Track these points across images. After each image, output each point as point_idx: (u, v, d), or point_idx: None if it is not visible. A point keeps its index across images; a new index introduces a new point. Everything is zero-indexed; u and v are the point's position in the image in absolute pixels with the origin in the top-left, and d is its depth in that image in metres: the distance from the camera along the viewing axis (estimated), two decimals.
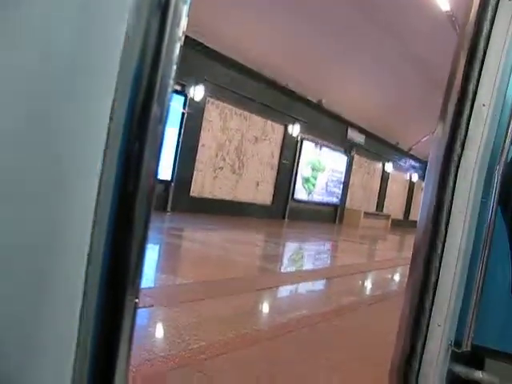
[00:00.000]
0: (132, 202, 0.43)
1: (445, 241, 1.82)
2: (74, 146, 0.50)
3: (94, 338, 0.43)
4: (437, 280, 1.83)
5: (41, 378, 0.47)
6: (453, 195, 1.77)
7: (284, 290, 5.39)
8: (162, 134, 0.52)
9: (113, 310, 0.43)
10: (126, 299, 0.43)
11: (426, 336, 1.85)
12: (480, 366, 2.11)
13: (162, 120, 0.52)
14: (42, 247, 0.48)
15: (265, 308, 4.53)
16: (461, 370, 2.04)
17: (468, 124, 1.76)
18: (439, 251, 1.82)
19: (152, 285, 4.27)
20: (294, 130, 14.48)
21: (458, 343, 1.89)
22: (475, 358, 2.17)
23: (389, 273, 7.99)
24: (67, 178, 0.49)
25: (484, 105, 1.74)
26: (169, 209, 11.08)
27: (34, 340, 0.47)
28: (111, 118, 0.49)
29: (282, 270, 6.76)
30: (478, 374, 2.06)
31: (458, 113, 1.73)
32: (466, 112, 1.75)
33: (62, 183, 0.49)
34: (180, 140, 11.21)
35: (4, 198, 0.48)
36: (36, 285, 0.47)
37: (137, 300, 0.44)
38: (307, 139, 15.40)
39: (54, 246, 0.48)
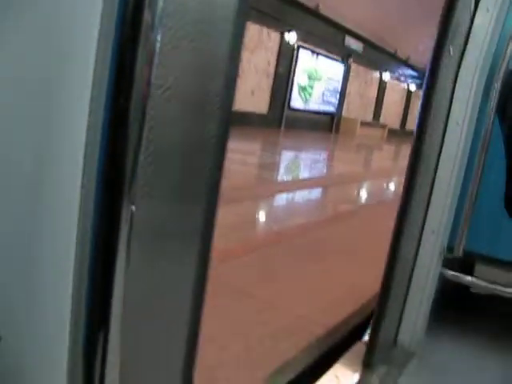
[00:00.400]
0: (126, 108, 0.43)
1: (441, 150, 1.83)
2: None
3: (93, 245, 0.43)
4: (432, 188, 1.86)
5: (41, 286, 0.49)
6: (450, 104, 1.77)
7: (281, 199, 5.45)
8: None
9: (109, 218, 0.43)
10: (122, 206, 0.43)
11: (419, 242, 1.90)
12: (470, 272, 2.19)
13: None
14: (38, 151, 0.48)
15: (262, 216, 4.59)
16: (452, 274, 2.12)
17: (469, 31, 1.73)
18: (435, 160, 1.84)
19: None
20: (291, 37, 14.12)
21: (450, 249, 1.95)
22: (466, 264, 2.24)
23: (384, 182, 8.06)
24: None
25: (488, 10, 1.70)
26: None
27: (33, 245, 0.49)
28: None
29: (279, 179, 6.81)
30: (468, 279, 2.14)
31: (459, 19, 1.69)
32: (467, 18, 1.71)
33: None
34: None
35: None
36: (35, 192, 0.48)
37: (133, 207, 0.44)
38: (304, 47, 15.05)
39: (50, 149, 0.49)
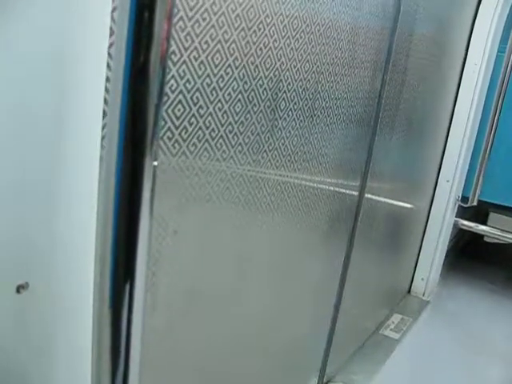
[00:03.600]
0: (147, 55, 0.41)
1: (456, 98, 1.81)
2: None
3: (116, 202, 0.43)
4: (447, 137, 1.85)
5: (61, 240, 0.50)
6: (468, 46, 1.73)
7: None
8: None
9: (132, 175, 0.42)
10: (144, 163, 0.43)
11: (434, 191, 1.90)
12: (484, 221, 2.19)
13: None
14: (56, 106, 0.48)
15: None
16: (465, 224, 2.12)
17: None
18: (450, 109, 1.82)
19: None
20: None
21: (464, 199, 1.94)
22: (479, 213, 2.25)
23: None
24: None
25: None
26: None
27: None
28: None
29: None
30: (482, 228, 2.14)
31: None
32: None
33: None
34: None
35: None
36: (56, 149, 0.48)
37: (155, 163, 0.43)
38: None
39: (69, 106, 0.49)
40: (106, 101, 0.52)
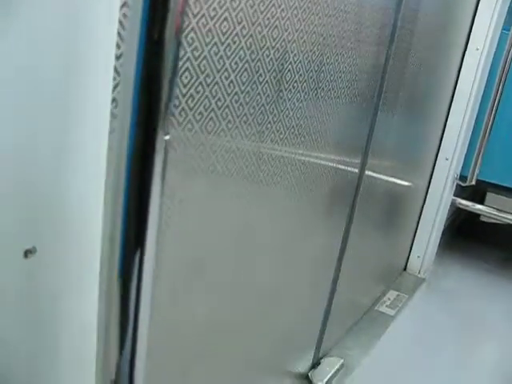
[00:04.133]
0: (162, 24, 0.41)
1: (458, 76, 1.80)
2: None
3: (127, 177, 0.42)
4: (447, 115, 1.84)
5: (71, 221, 0.49)
6: (472, 24, 1.72)
7: None
8: None
9: (143, 149, 0.42)
10: (156, 137, 0.42)
11: (433, 169, 1.90)
12: (481, 201, 2.20)
13: None
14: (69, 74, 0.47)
15: None
16: (463, 203, 2.13)
17: None
18: (452, 87, 1.81)
19: None
20: None
21: (462, 178, 1.95)
22: (476, 193, 2.25)
23: None
24: None
25: None
26: None
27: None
28: None
29: None
30: (479, 207, 2.15)
31: None
32: None
33: None
34: None
35: None
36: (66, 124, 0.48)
37: (167, 137, 0.43)
38: None
39: (81, 78, 0.48)
40: (115, 69, 0.51)
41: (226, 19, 0.66)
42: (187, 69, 0.62)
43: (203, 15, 0.63)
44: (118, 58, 0.51)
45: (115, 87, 0.52)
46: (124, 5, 0.51)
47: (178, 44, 0.42)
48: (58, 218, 0.48)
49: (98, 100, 0.50)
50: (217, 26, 0.65)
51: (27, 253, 0.45)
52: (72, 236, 0.49)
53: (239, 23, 0.69)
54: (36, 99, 0.45)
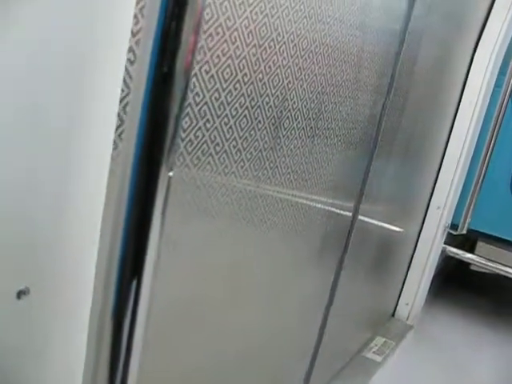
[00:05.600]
0: (172, 65, 0.41)
1: (452, 127, 1.83)
2: None
3: (129, 213, 0.43)
4: (440, 165, 1.86)
5: (69, 253, 0.49)
6: (465, 83, 1.76)
7: None
8: None
9: (146, 185, 0.42)
10: (160, 173, 0.42)
11: (424, 216, 1.92)
12: (471, 250, 2.21)
13: None
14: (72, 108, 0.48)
15: None
16: (453, 251, 2.13)
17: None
18: (445, 137, 1.84)
19: None
20: None
21: (453, 226, 1.96)
22: (467, 242, 2.26)
23: None
24: None
25: None
26: None
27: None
28: None
29: None
30: (469, 256, 2.16)
31: None
32: None
33: None
34: None
35: None
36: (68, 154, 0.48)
37: (171, 174, 0.43)
38: None
39: (84, 109, 0.49)
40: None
41: (228, 66, 0.68)
42: (187, 114, 0.63)
43: (206, 62, 0.64)
44: (121, 101, 0.52)
45: (117, 129, 0.53)
46: (130, 50, 0.52)
47: (187, 81, 0.42)
48: (53, 259, 0.48)
49: (100, 140, 0.51)
50: (219, 72, 0.67)
51: (20, 294, 0.45)
52: (66, 277, 0.49)
53: (241, 70, 0.70)
54: (36, 138, 0.46)
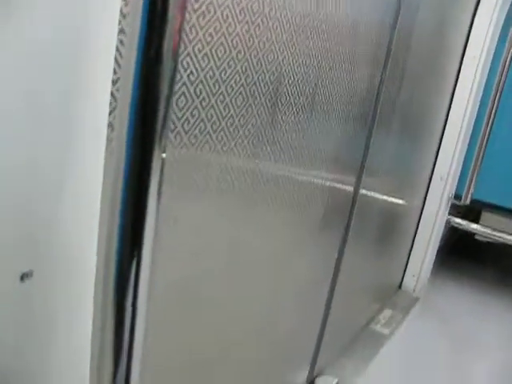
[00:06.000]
0: (159, 47, 0.42)
1: (453, 93, 1.81)
2: None
3: (124, 195, 0.43)
4: (442, 134, 1.86)
5: (68, 239, 0.50)
6: (467, 41, 1.74)
7: None
8: None
9: (140, 167, 0.42)
10: (153, 155, 0.43)
11: (427, 188, 1.91)
12: (475, 220, 2.21)
13: None
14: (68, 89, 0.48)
15: None
16: (458, 222, 2.13)
17: None
18: (447, 105, 1.83)
19: None
20: None
21: (457, 197, 1.96)
22: (472, 212, 2.26)
23: None
24: None
25: None
26: None
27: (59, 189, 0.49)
28: None
29: None
30: (474, 226, 2.16)
31: None
32: None
33: None
34: None
35: None
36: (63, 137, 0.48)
37: (164, 155, 0.43)
38: None
39: (80, 91, 0.49)
40: (112, 93, 0.52)
41: (221, 44, 0.68)
42: (183, 93, 0.63)
43: (199, 40, 0.64)
44: (114, 83, 0.52)
45: (111, 112, 0.53)
46: (121, 32, 0.52)
47: (175, 68, 0.43)
48: (55, 241, 0.49)
49: (95, 124, 0.51)
50: (212, 51, 0.66)
51: (24, 276, 0.46)
52: (68, 258, 0.50)
53: (235, 48, 0.70)
54: (34, 125, 0.46)
